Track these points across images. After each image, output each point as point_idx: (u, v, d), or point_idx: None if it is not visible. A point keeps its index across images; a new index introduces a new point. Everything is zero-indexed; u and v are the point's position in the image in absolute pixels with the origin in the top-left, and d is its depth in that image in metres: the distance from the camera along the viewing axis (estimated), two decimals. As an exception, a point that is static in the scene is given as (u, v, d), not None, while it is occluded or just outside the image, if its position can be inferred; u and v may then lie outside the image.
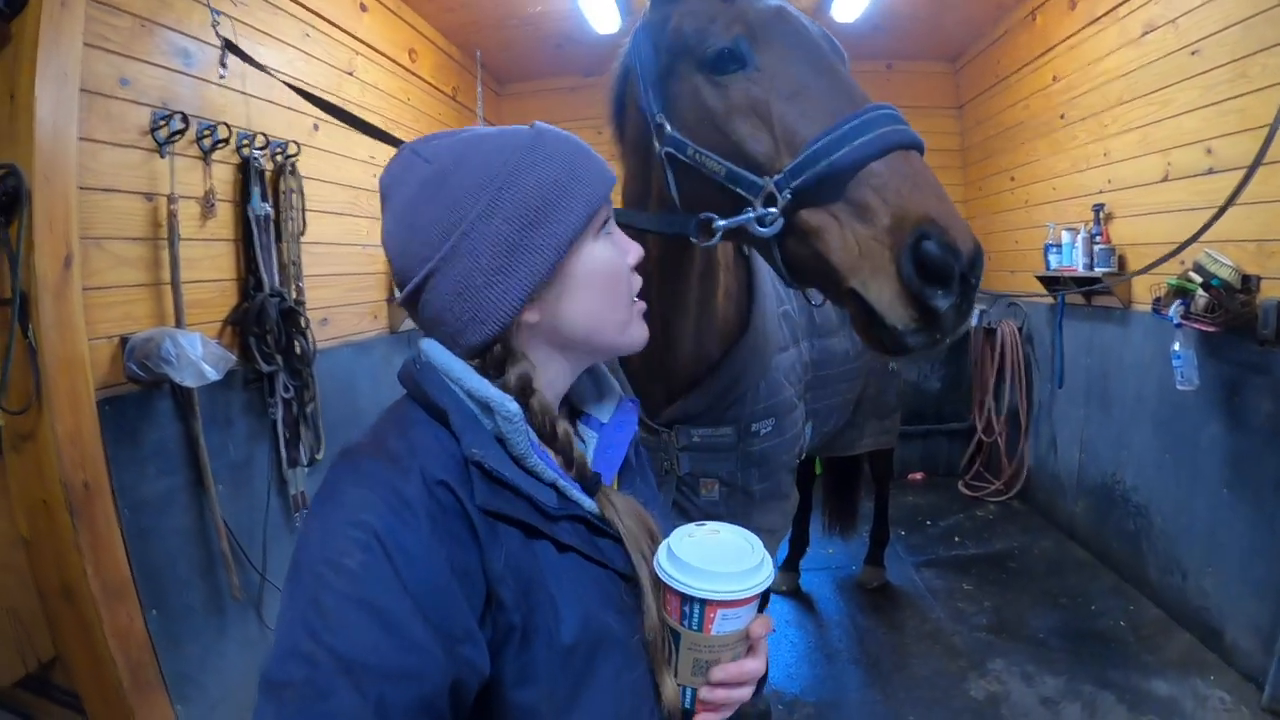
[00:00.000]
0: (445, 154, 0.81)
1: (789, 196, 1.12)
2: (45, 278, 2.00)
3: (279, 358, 2.79)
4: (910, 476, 5.35)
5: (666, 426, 1.87)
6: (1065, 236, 3.73)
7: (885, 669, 3.07)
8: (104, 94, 2.18)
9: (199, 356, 2.27)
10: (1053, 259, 3.88)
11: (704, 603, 0.73)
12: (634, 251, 0.88)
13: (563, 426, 0.82)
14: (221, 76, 2.57)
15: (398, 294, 0.86)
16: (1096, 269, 3.48)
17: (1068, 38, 3.83)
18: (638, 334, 0.89)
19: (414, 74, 4.33)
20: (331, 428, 3.12)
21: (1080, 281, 3.63)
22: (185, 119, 2.39)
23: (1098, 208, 3.53)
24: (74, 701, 2.42)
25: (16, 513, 2.19)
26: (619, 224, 1.56)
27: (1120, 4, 3.34)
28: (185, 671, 2.39)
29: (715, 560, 0.75)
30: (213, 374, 2.30)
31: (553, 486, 0.79)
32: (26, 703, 2.69)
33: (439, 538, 0.68)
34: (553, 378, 0.86)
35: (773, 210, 1.14)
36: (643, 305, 0.90)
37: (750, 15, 1.25)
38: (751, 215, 1.16)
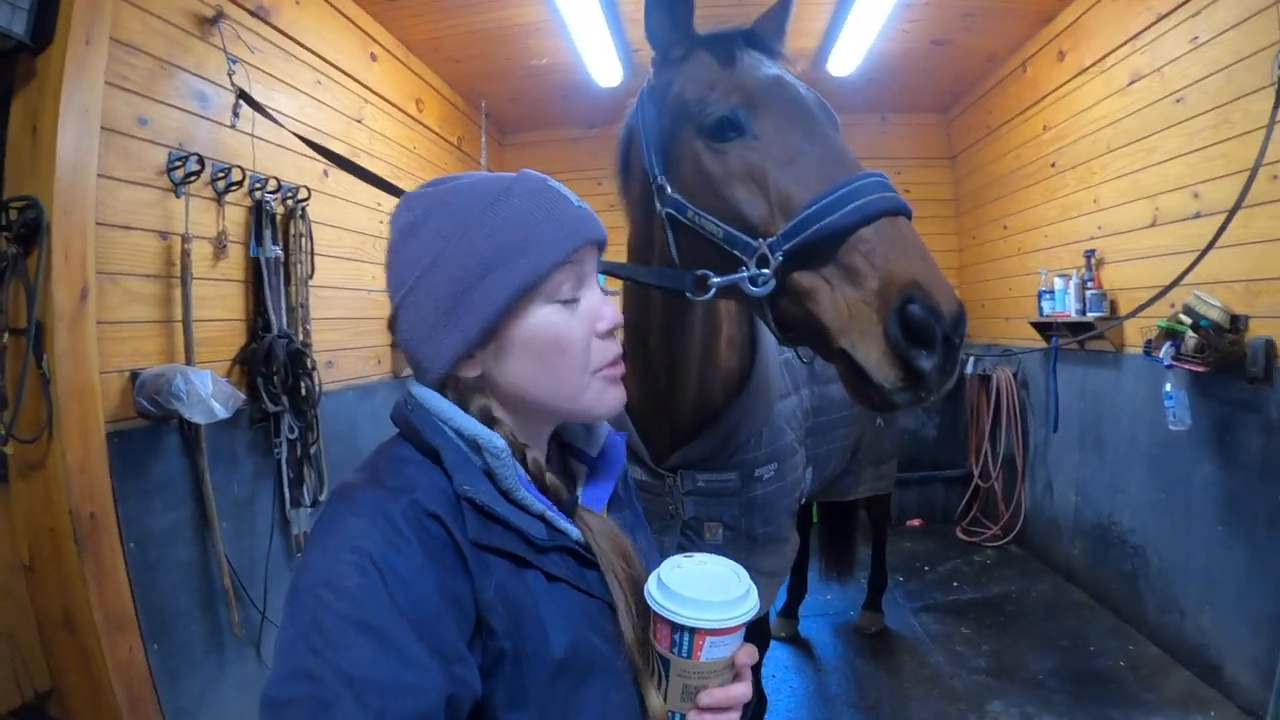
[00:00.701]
0: (424, 203, 0.84)
1: (781, 258, 1.19)
2: (61, 309, 2.05)
3: (285, 398, 2.82)
4: (908, 523, 5.34)
5: (671, 471, 1.90)
6: (1058, 283, 3.80)
7: (884, 713, 3.04)
8: (123, 132, 2.25)
9: (209, 394, 2.31)
10: (1046, 305, 3.95)
11: (693, 631, 0.75)
12: (606, 319, 0.87)
13: (533, 454, 0.84)
14: (233, 125, 2.66)
15: None
16: (1089, 314, 3.54)
17: (1057, 88, 3.96)
18: (601, 402, 0.88)
19: (420, 123, 4.45)
20: (334, 469, 3.13)
21: (1073, 327, 3.70)
22: (201, 161, 2.47)
23: (1089, 254, 3.61)
24: (73, 734, 2.39)
25: (19, 540, 2.20)
26: (621, 277, 1.63)
27: (1107, 54, 3.46)
28: (184, 707, 2.37)
29: (704, 590, 0.77)
30: (222, 412, 2.33)
31: (541, 518, 0.81)
32: (23, 736, 2.66)
33: (430, 564, 0.70)
34: (515, 430, 0.86)
35: (765, 271, 1.21)
36: (615, 371, 0.89)
37: (749, 84, 1.33)
38: (745, 275, 1.23)
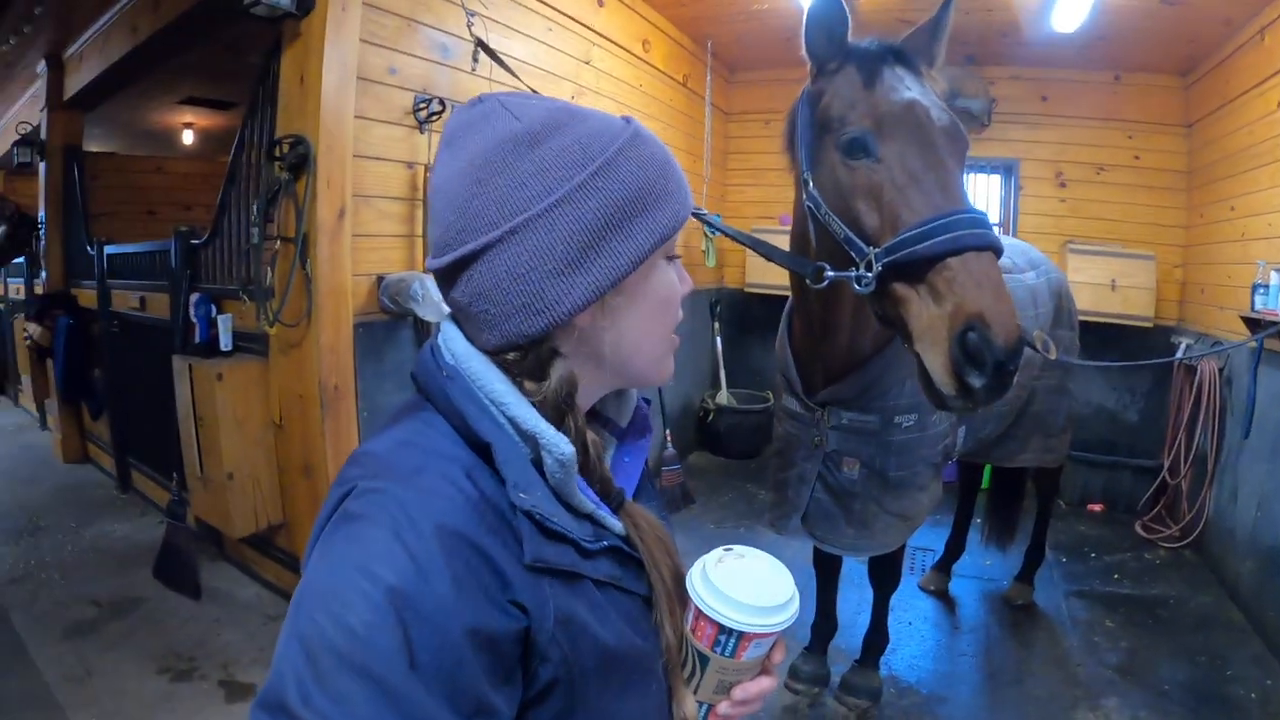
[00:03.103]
0: (538, 114, 0.71)
1: (881, 267, 1.44)
2: (323, 224, 2.56)
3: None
4: (1090, 506, 5.14)
5: (821, 406, 2.16)
6: (1273, 277, 3.51)
7: (1002, 681, 3.11)
8: (375, 80, 2.71)
9: (439, 298, 2.75)
10: (1259, 299, 3.65)
11: (741, 634, 0.73)
12: (687, 285, 0.81)
13: (593, 437, 0.76)
14: (473, 69, 3.07)
15: (430, 259, 0.75)
16: (1299, 315, 3.27)
17: (1298, 61, 3.56)
18: (667, 369, 0.82)
19: (647, 62, 4.71)
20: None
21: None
22: (442, 103, 2.91)
23: (1312, 251, 3.31)
24: (289, 560, 3.02)
25: (273, 404, 2.79)
26: (761, 253, 1.88)
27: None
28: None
29: (751, 591, 0.74)
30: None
31: (589, 518, 0.73)
32: (248, 556, 3.38)
33: (462, 602, 0.60)
34: (579, 396, 0.76)
35: (869, 274, 1.46)
36: (677, 341, 0.83)
37: (882, 108, 1.52)
38: (854, 274, 1.50)
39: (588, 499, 0.73)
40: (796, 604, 0.76)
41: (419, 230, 2.94)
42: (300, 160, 2.53)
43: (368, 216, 2.74)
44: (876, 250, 1.45)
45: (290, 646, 0.57)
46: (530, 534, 0.66)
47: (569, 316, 0.70)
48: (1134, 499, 5.03)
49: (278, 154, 2.58)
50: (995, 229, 1.42)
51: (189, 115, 6.55)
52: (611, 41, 4.27)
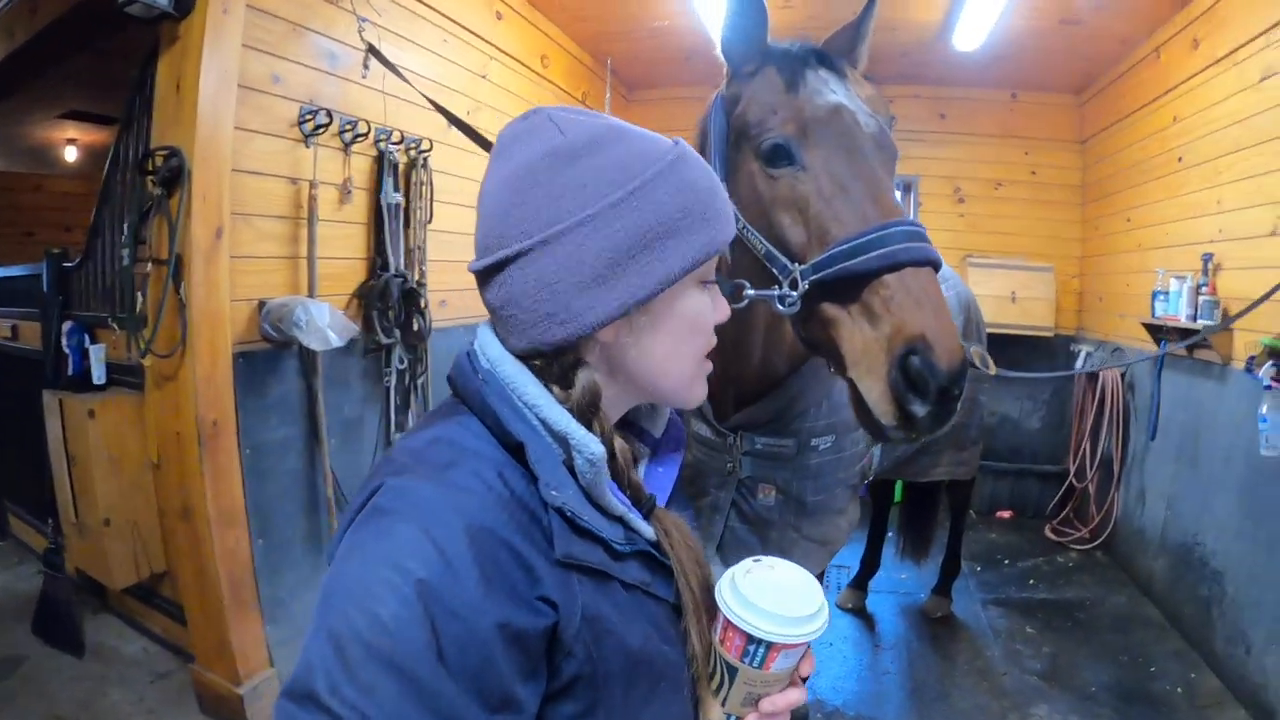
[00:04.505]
0: (582, 130, 0.74)
1: (807, 286, 1.29)
2: (199, 244, 2.36)
3: (397, 332, 3.13)
4: (999, 514, 5.25)
5: (733, 431, 2.04)
6: (1173, 284, 3.61)
7: (928, 697, 3.09)
8: (258, 89, 2.53)
9: (326, 324, 2.60)
10: (1159, 306, 3.76)
11: (770, 645, 0.73)
12: (725, 311, 0.84)
13: (621, 444, 0.77)
14: (364, 76, 2.90)
15: (472, 261, 0.79)
16: (1199, 320, 3.36)
17: (1189, 78, 3.70)
18: (698, 393, 0.84)
19: (545, 78, 4.61)
20: (440, 399, 3.42)
21: (1183, 333, 3.53)
22: (330, 114, 2.73)
23: (1206, 257, 3.41)
24: (175, 611, 2.79)
25: (150, 441, 2.57)
26: None
27: (1240, 46, 3.22)
28: (280, 597, 2.72)
29: (780, 601, 0.74)
30: (337, 341, 2.62)
31: (620, 521, 0.75)
32: (132, 608, 3.12)
33: (491, 597, 0.61)
34: (605, 405, 0.78)
35: (794, 294, 1.31)
36: (709, 365, 0.85)
37: (806, 113, 1.38)
38: (776, 294, 1.34)
39: (619, 501, 0.75)
40: (826, 615, 0.76)
41: (303, 251, 2.74)
42: (174, 174, 2.32)
43: (248, 236, 2.54)
44: (802, 267, 1.31)
45: (318, 638, 0.59)
46: (560, 530, 0.68)
47: (591, 329, 0.72)
48: (1042, 504, 5.17)
49: (150, 168, 2.38)
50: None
51: (72, 130, 6.15)
52: (510, 56, 4.16)
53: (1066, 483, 4.95)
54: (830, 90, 1.42)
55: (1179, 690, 3.14)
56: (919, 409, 1.16)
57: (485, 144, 2.42)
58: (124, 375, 2.80)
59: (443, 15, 3.48)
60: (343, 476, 2.95)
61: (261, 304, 2.61)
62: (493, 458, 0.70)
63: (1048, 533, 4.87)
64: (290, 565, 2.78)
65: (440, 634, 0.58)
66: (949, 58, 4.63)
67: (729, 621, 0.74)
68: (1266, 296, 2.05)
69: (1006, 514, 5.25)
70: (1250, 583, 3.03)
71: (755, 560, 0.81)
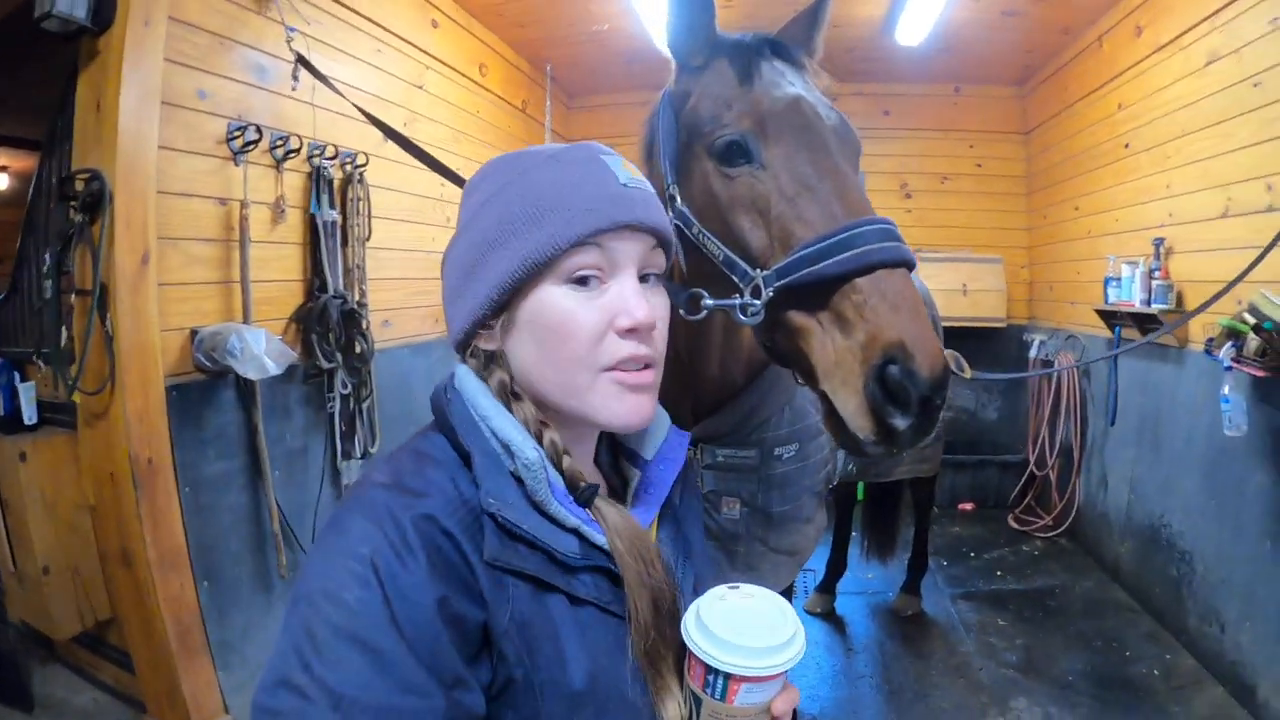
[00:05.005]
0: (487, 167, 0.82)
1: (772, 293, 1.18)
2: (124, 272, 2.21)
3: (339, 355, 2.97)
4: (960, 506, 5.26)
5: (693, 444, 1.94)
6: (1125, 270, 3.64)
7: (906, 698, 3.05)
8: (183, 105, 2.38)
9: (262, 351, 2.45)
10: (1111, 292, 3.79)
11: (728, 676, 0.70)
12: (629, 315, 0.76)
13: (551, 439, 0.78)
14: (294, 89, 2.76)
15: None
16: (1154, 305, 3.39)
17: (1133, 65, 3.75)
18: (608, 409, 0.78)
19: (484, 87, 4.50)
20: (387, 423, 3.30)
21: (1137, 317, 3.56)
22: (259, 130, 2.59)
23: (1158, 242, 3.44)
24: (125, 660, 2.63)
25: (85, 482, 2.42)
26: None
27: (1185, 32, 3.26)
28: (230, 640, 2.57)
29: (744, 631, 0.71)
30: (274, 368, 2.48)
31: (575, 532, 0.75)
32: (81, 658, 2.94)
33: (434, 581, 0.65)
34: (543, 419, 0.79)
35: (756, 302, 1.20)
36: (633, 377, 0.78)
37: (764, 106, 1.28)
38: (737, 303, 1.22)
39: (570, 513, 0.75)
40: (796, 649, 0.72)
41: (235, 275, 2.59)
42: (95, 198, 2.17)
43: (176, 262, 2.39)
44: (765, 273, 1.19)
45: (288, 631, 0.63)
46: (492, 534, 0.70)
47: (461, 335, 0.80)
48: (1003, 494, 5.20)
49: (70, 192, 2.23)
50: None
51: (2, 157, 5.85)
52: (446, 65, 4.04)
53: (1027, 472, 4.98)
54: (787, 82, 1.32)
55: (1155, 672, 3.15)
56: (900, 421, 1.06)
57: (421, 155, 2.31)
58: (56, 414, 2.62)
59: (376, 24, 3.35)
60: (288, 510, 2.80)
61: (194, 333, 2.46)
62: (447, 465, 0.74)
63: (1011, 522, 4.90)
64: (239, 607, 2.63)
65: (396, 610, 0.62)
66: (893, 53, 4.64)
67: (688, 649, 0.73)
68: (1231, 285, 2.04)
69: (968, 506, 5.26)
70: (1219, 561, 3.06)
71: (732, 587, 0.79)
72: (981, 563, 4.37)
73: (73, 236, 2.26)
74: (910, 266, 1.15)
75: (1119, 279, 3.72)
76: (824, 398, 1.16)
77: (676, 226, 1.37)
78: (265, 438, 2.68)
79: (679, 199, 1.38)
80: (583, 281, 0.76)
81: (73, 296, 2.31)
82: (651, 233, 0.79)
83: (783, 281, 1.16)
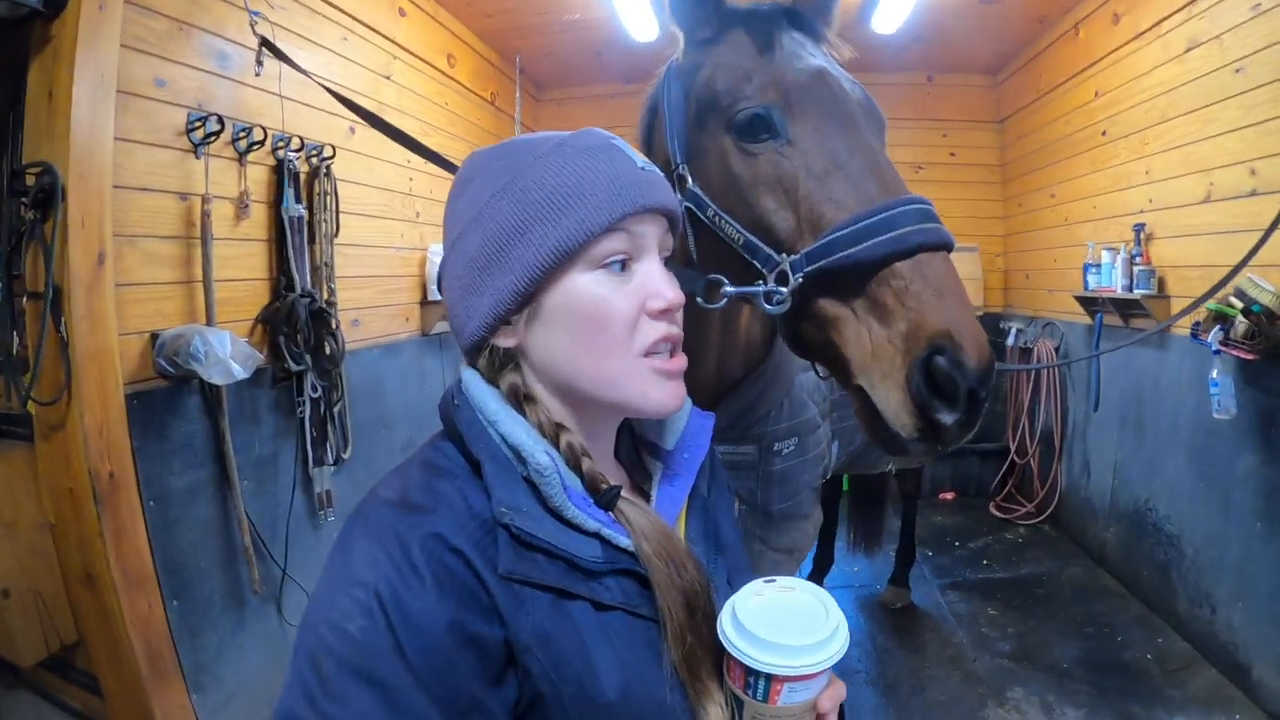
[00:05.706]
0: (478, 160, 0.78)
1: (801, 279, 1.09)
2: (78, 273, 2.05)
3: (308, 357, 2.82)
4: (941, 496, 5.28)
5: None
6: (1105, 256, 3.65)
7: (902, 693, 3.03)
8: (140, 94, 2.23)
9: (227, 354, 2.31)
10: (1091, 279, 3.80)
11: (770, 677, 0.68)
12: (662, 296, 0.76)
13: (569, 441, 0.75)
14: (257, 74, 2.62)
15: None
16: (1136, 291, 3.39)
17: (1111, 52, 3.76)
18: (648, 396, 0.77)
19: (452, 78, 4.37)
20: (359, 427, 3.17)
21: (1119, 304, 3.56)
22: (221, 121, 2.44)
23: (1138, 227, 3.44)
24: (93, 685, 2.48)
25: (44, 499, 2.26)
26: None
27: (1164, 19, 3.27)
28: (203, 661, 2.43)
29: (784, 629, 0.69)
30: (240, 372, 2.34)
31: (596, 536, 0.72)
32: (48, 683, 2.76)
33: (444, 603, 0.63)
34: (560, 421, 0.77)
35: (783, 290, 1.11)
36: (668, 364, 0.79)
37: (788, 78, 1.19)
38: (761, 290, 1.13)
39: (590, 516, 0.72)
40: (840, 643, 0.69)
41: (198, 274, 2.43)
42: (47, 194, 2.01)
43: (135, 261, 2.24)
44: (793, 258, 1.10)
45: (297, 660, 0.63)
46: (506, 546, 0.67)
47: (480, 334, 0.75)
48: (984, 483, 5.23)
49: (20, 188, 2.07)
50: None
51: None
52: (414, 55, 3.91)
53: (1008, 459, 5.00)
54: (809, 53, 1.24)
55: (1149, 656, 3.16)
56: (946, 417, 0.96)
57: (396, 134, 2.20)
58: (14, 426, 2.42)
59: (342, 11, 3.21)
60: (260, 521, 2.65)
61: (154, 336, 2.31)
62: (457, 476, 0.72)
63: (993, 510, 4.92)
64: (210, 626, 2.49)
65: (402, 641, 0.60)
66: (867, 41, 4.58)
67: (726, 650, 0.70)
68: (1236, 271, 2.01)
69: (949, 495, 5.30)
70: (1208, 544, 3.07)
71: (768, 581, 0.76)
72: (967, 552, 4.38)
73: (24, 235, 2.10)
74: (950, 248, 1.06)
75: (1099, 265, 3.72)
76: (859, 393, 1.07)
77: (689, 209, 1.28)
78: (233, 446, 2.54)
79: (690, 180, 1.28)
80: (612, 266, 0.74)
81: (24, 300, 2.15)
82: (666, 215, 0.79)
83: (813, 266, 1.07)
